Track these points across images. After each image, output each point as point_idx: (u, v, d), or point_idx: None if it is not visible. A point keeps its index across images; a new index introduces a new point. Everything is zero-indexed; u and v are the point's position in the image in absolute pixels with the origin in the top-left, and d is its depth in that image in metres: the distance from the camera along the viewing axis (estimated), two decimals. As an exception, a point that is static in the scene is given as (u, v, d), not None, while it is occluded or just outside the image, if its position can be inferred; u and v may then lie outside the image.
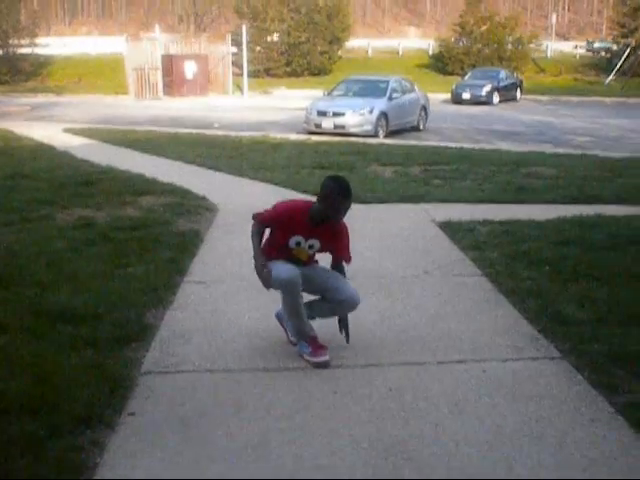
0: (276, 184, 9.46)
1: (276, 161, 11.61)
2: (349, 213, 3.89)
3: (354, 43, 47.49)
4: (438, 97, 28.12)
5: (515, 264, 5.70)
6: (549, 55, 45.82)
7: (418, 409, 3.44)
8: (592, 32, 63.12)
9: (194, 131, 16.97)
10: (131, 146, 13.54)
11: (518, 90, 31.76)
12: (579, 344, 4.11)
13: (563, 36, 61.69)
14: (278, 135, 16.20)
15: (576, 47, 47.30)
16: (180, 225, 7.07)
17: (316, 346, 3.96)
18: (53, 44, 44.27)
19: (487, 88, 29.07)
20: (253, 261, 3.97)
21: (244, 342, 4.23)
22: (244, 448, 3.09)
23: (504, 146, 15.07)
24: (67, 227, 6.89)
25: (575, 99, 31.84)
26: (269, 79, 40.53)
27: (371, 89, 18.20)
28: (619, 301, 4.80)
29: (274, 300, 4.88)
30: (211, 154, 12.41)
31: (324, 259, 4.18)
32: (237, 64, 35.60)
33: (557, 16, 58.30)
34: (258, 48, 41.56)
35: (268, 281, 3.88)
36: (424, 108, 19.20)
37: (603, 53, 43.19)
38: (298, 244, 3.96)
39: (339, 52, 44.83)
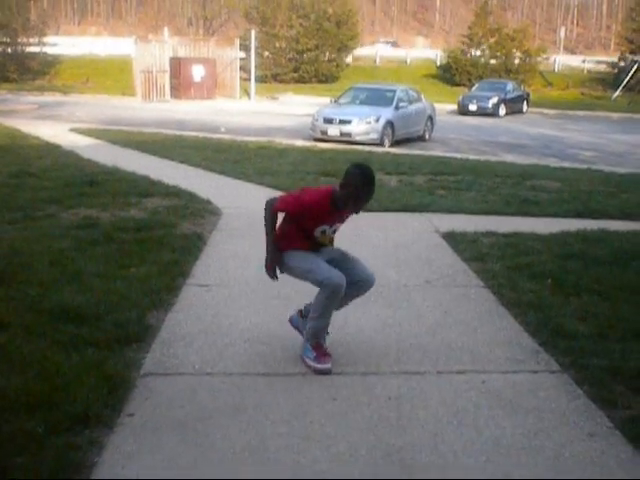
0: (281, 190, 9.46)
1: (281, 167, 11.63)
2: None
3: (362, 51, 47.60)
4: (445, 108, 28.16)
5: (517, 276, 5.69)
6: (557, 69, 45.89)
7: (417, 418, 3.44)
8: (600, 47, 63.23)
9: (200, 134, 16.99)
10: (137, 148, 13.58)
11: (525, 103, 31.80)
12: (580, 358, 4.10)
13: (571, 50, 61.88)
14: (284, 141, 16.24)
15: (584, 61, 47.37)
16: (184, 228, 7.08)
17: (321, 353, 3.96)
18: (62, 44, 44.48)
19: (494, 100, 29.11)
20: (266, 251, 3.95)
21: (245, 346, 4.23)
22: (242, 452, 3.09)
23: (509, 158, 15.07)
24: (71, 226, 6.91)
25: (581, 113, 31.88)
26: (276, 85, 40.64)
27: (378, 98, 18.24)
28: (621, 316, 4.79)
29: (275, 305, 4.90)
30: (217, 158, 12.43)
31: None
32: (245, 69, 35.71)
33: (566, 30, 58.43)
34: (266, 53, 41.71)
35: (274, 272, 3.93)
36: (430, 118, 19.25)
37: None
38: (323, 232, 3.94)
39: (347, 60, 44.94)
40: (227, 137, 16.75)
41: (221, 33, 55.54)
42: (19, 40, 40.65)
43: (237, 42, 35.74)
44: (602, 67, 44.54)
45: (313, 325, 3.98)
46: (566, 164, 14.08)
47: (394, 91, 18.50)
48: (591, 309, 4.93)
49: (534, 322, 4.70)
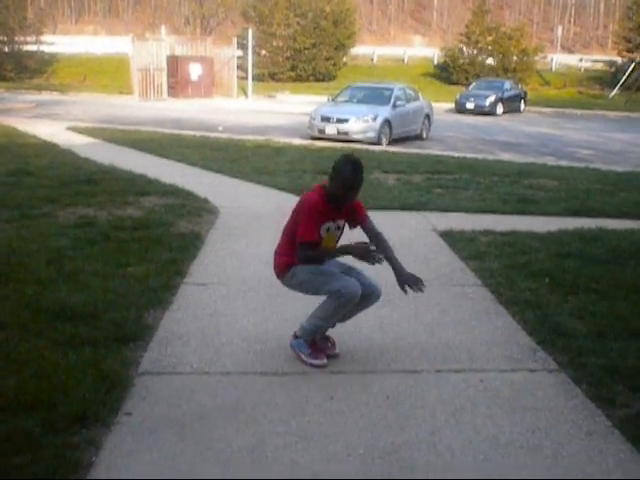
0: (278, 188, 9.47)
1: (279, 165, 11.63)
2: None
3: (359, 50, 47.59)
4: (442, 106, 28.17)
5: (515, 275, 5.70)
6: (554, 68, 45.93)
7: (414, 417, 3.44)
8: (597, 46, 63.31)
9: (198, 133, 16.98)
10: (134, 146, 13.57)
11: (522, 102, 31.85)
12: (578, 357, 4.10)
13: (568, 49, 61.89)
14: (281, 139, 16.23)
15: (581, 60, 47.41)
16: (181, 226, 7.07)
17: (316, 349, 3.99)
18: (59, 42, 44.39)
19: (491, 99, 29.14)
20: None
21: (242, 345, 4.23)
22: (240, 451, 3.09)
23: (507, 157, 15.08)
24: (68, 225, 6.89)
25: (579, 112, 31.92)
26: (274, 83, 40.63)
27: (375, 96, 18.23)
28: (618, 315, 4.79)
29: (273, 304, 4.90)
30: (214, 157, 12.43)
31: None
32: (242, 67, 35.71)
33: (563, 29, 58.47)
34: (264, 52, 41.69)
35: (369, 251, 3.91)
36: (428, 117, 19.25)
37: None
38: (328, 230, 3.94)
39: (344, 58, 44.93)
40: (224, 136, 16.73)
41: (218, 32, 55.46)
42: (16, 39, 40.67)
43: (234, 41, 35.74)
44: (599, 66, 44.66)
45: (315, 323, 3.98)
46: (563, 163, 14.09)
47: (391, 90, 18.49)
48: (589, 308, 4.93)
49: (532, 321, 4.70)
